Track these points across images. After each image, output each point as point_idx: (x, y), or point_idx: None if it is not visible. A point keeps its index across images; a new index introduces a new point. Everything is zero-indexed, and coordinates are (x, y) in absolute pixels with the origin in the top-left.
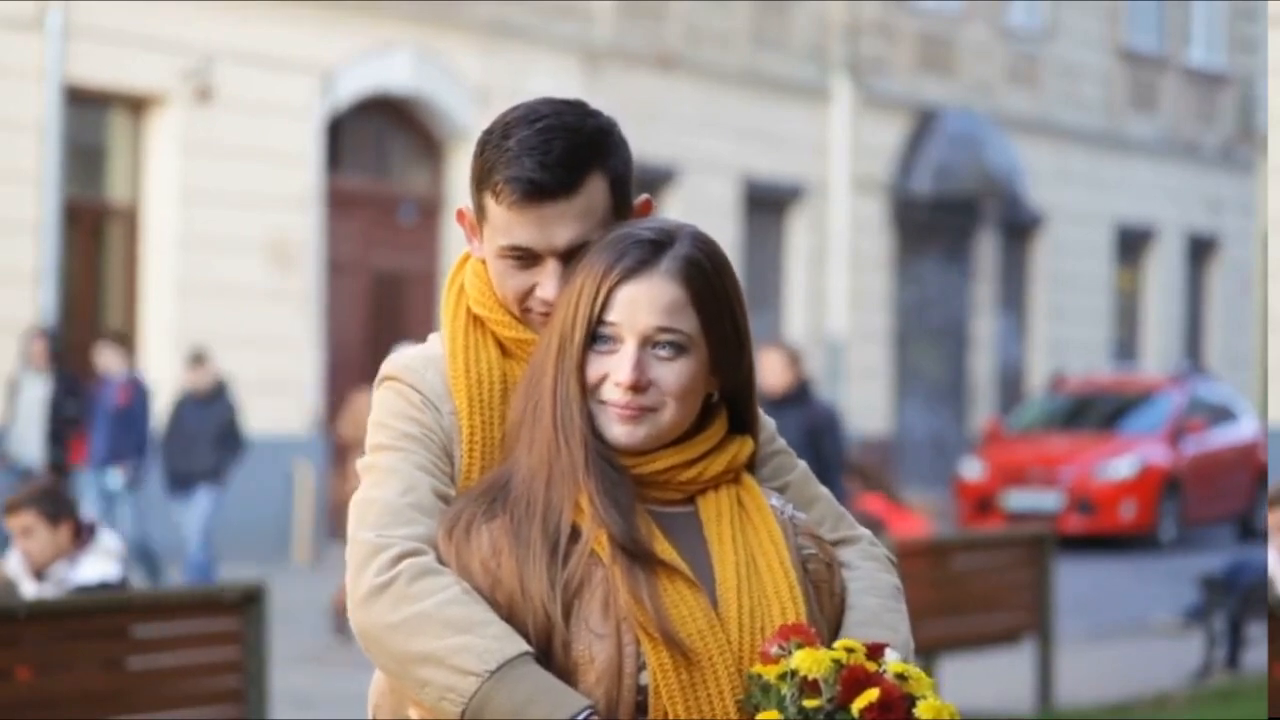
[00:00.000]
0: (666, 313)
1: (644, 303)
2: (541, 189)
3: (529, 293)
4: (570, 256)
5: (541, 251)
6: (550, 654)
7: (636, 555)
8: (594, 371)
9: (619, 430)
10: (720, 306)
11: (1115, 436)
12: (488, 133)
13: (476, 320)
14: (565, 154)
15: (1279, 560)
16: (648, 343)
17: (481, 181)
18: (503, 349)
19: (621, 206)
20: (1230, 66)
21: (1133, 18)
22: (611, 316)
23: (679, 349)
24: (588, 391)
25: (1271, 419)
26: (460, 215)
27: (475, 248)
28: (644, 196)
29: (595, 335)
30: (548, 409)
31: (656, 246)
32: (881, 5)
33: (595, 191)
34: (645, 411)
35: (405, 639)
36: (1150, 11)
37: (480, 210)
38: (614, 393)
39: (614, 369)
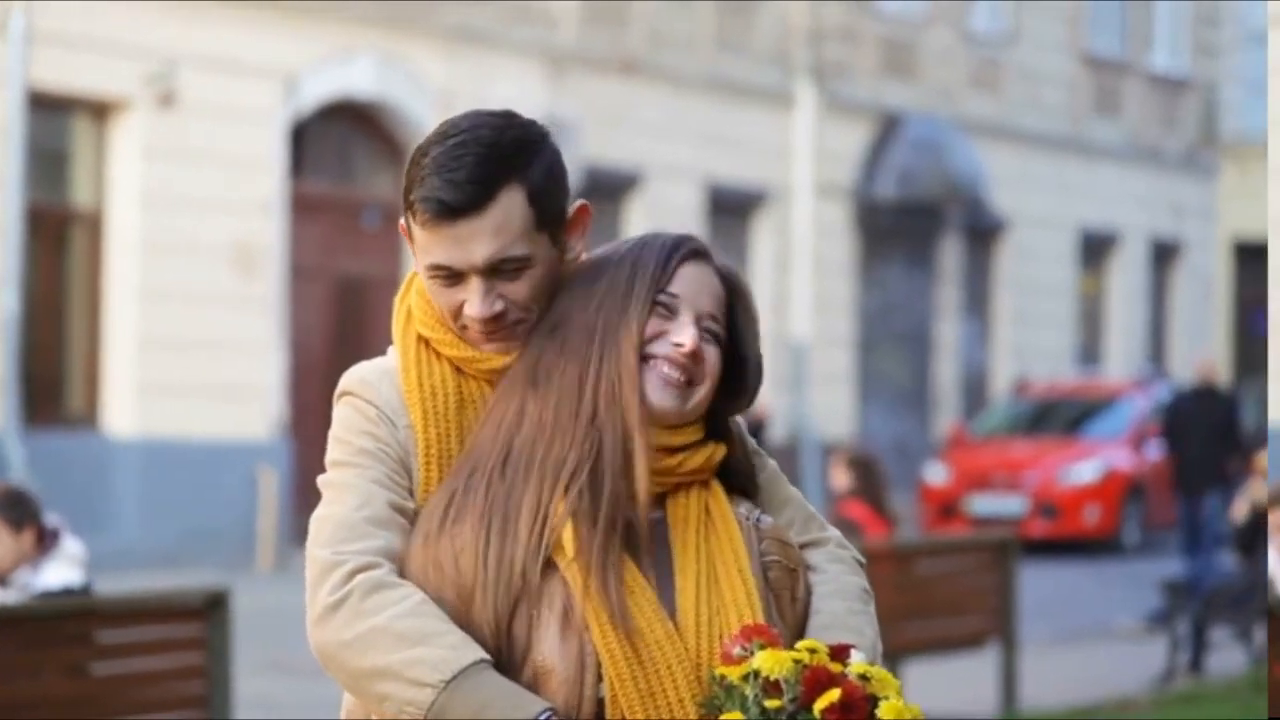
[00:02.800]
0: (717, 301)
1: (705, 286)
2: (451, 208)
3: (459, 309)
4: (494, 272)
5: (462, 269)
6: (511, 655)
7: (605, 558)
8: (650, 328)
9: (661, 392)
10: (743, 319)
11: (1079, 441)
12: (414, 150)
13: (425, 338)
14: (474, 170)
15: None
16: (700, 321)
17: (406, 200)
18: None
19: (546, 217)
20: (1193, 71)
21: (1095, 22)
22: (675, 288)
23: (716, 337)
24: (643, 348)
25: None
26: (402, 229)
27: (415, 262)
28: (580, 202)
29: (658, 299)
30: (587, 357)
31: (703, 248)
32: (845, 10)
33: (511, 205)
34: (687, 386)
35: (360, 655)
36: (1113, 16)
37: (408, 229)
38: (669, 350)
39: (674, 332)
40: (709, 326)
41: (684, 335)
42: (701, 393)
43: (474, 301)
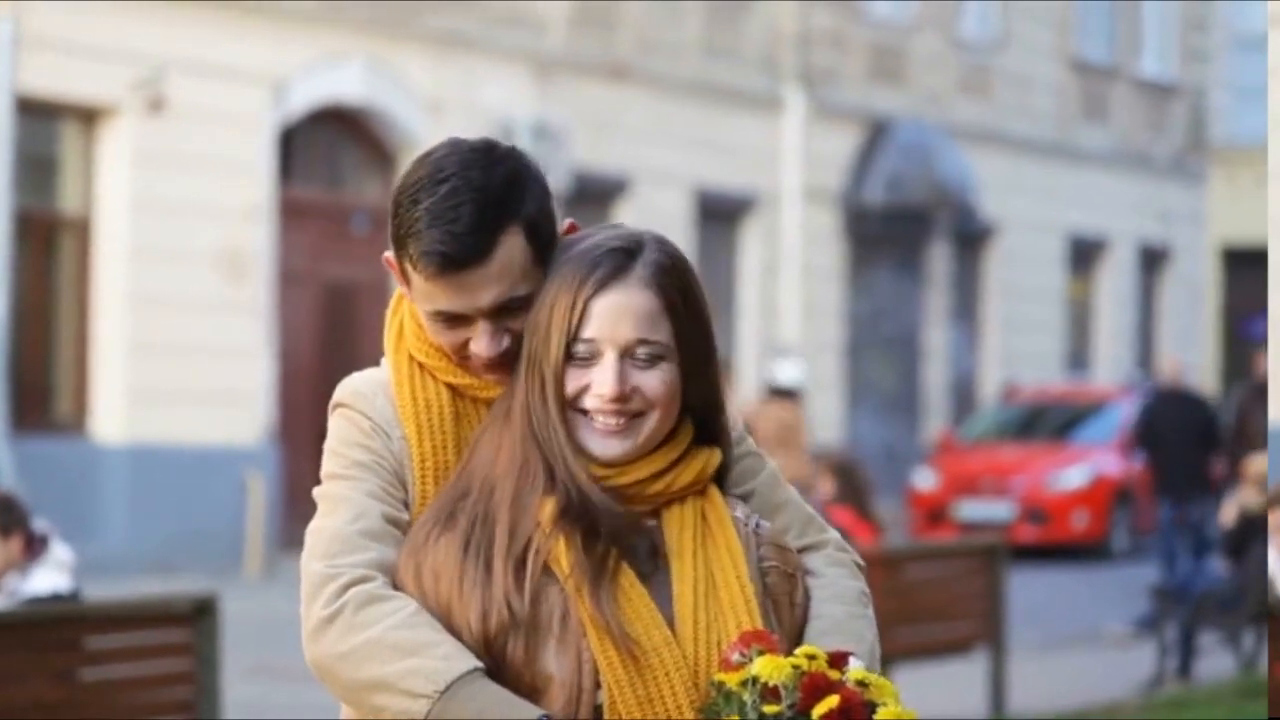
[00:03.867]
0: (644, 322)
1: (623, 314)
2: (455, 261)
3: (464, 346)
4: (500, 313)
5: (467, 314)
6: (505, 671)
7: (601, 567)
8: (572, 384)
9: (602, 443)
10: (691, 315)
11: (1067, 446)
12: (399, 192)
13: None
14: (475, 219)
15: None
16: (627, 354)
17: (399, 247)
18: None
19: (543, 248)
20: (1182, 77)
21: (1084, 28)
22: (589, 331)
23: (657, 357)
24: (566, 404)
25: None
26: (389, 263)
27: (407, 293)
28: (568, 221)
29: (572, 351)
30: (523, 416)
31: (627, 254)
32: (833, 16)
33: (512, 248)
34: (630, 422)
35: (355, 667)
36: (1102, 22)
37: (403, 273)
38: (596, 403)
39: (595, 381)
40: (640, 353)
41: (604, 384)
42: (652, 421)
43: (480, 341)
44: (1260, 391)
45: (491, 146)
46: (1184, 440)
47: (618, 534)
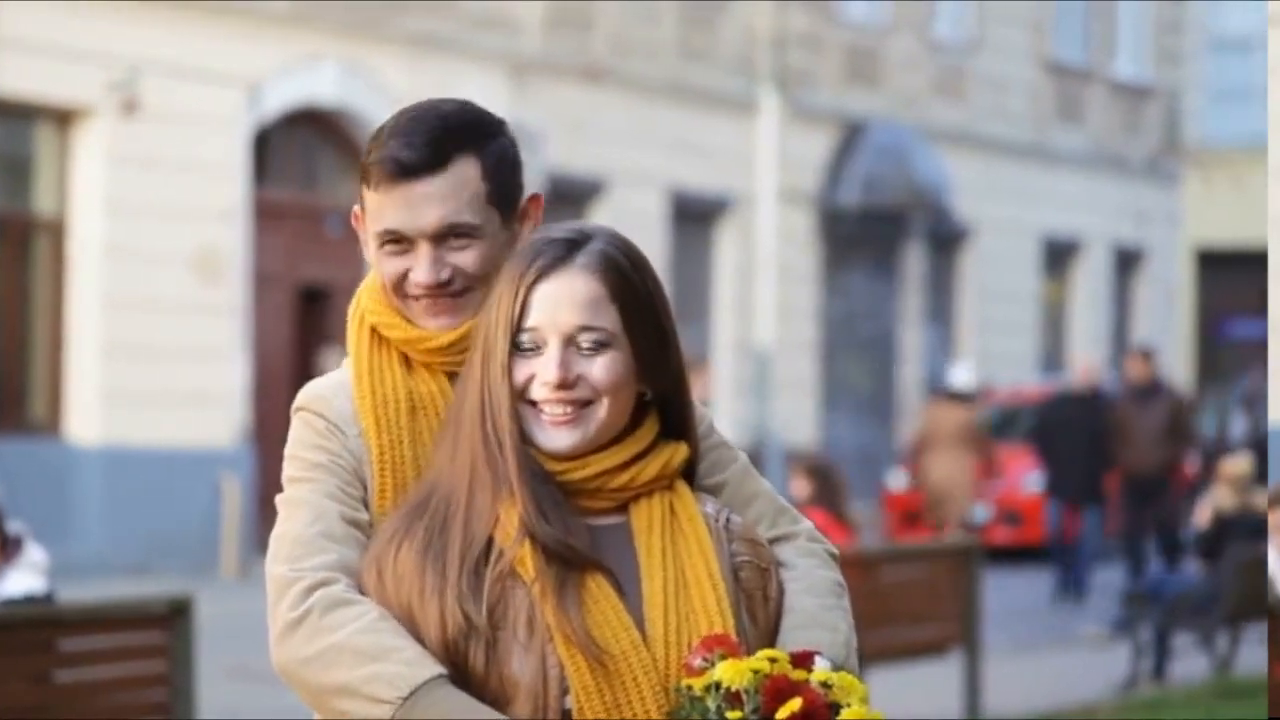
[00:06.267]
0: (586, 308)
1: (563, 300)
2: (405, 166)
3: (404, 277)
4: (442, 240)
5: (411, 234)
6: (469, 677)
7: (569, 565)
8: (520, 374)
9: (551, 434)
10: (640, 302)
11: None
12: (374, 132)
13: (377, 338)
14: (430, 134)
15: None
16: (570, 341)
17: (361, 174)
18: (407, 363)
19: (498, 194)
20: (1157, 79)
21: (1059, 30)
22: (531, 320)
23: (602, 344)
24: (515, 396)
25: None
26: (355, 217)
27: (369, 254)
28: (531, 194)
29: (518, 342)
30: (474, 417)
31: (571, 245)
32: (808, 18)
33: (465, 171)
34: (578, 411)
35: (320, 672)
36: (1077, 24)
37: (361, 203)
38: (542, 392)
39: (539, 370)
40: (585, 340)
41: (549, 370)
42: (601, 411)
43: (421, 267)
44: (1137, 394)
45: (474, 105)
46: (1076, 445)
47: (559, 545)
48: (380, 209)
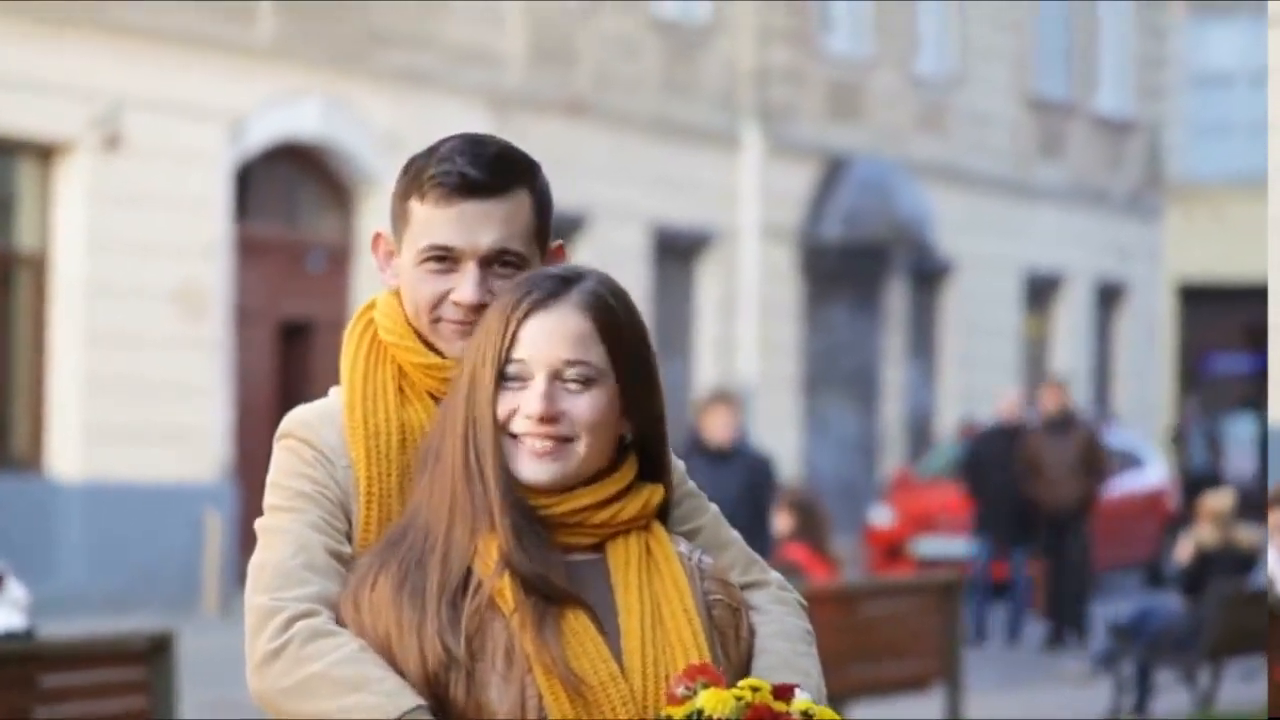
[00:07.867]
0: (574, 344)
1: (554, 334)
2: (472, 184)
3: (442, 298)
4: (489, 264)
5: (463, 251)
6: (448, 708)
7: (548, 599)
8: (504, 407)
9: (532, 466)
10: (628, 343)
11: None
12: (412, 158)
13: (375, 361)
14: (498, 157)
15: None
16: (557, 376)
17: (408, 190)
18: (401, 392)
19: (542, 232)
20: (1138, 114)
21: (1041, 65)
22: (519, 352)
23: (588, 381)
24: (498, 427)
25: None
26: (376, 240)
27: (388, 278)
28: (558, 242)
29: (505, 373)
30: (456, 448)
31: (564, 282)
32: (790, 53)
33: (522, 202)
34: (559, 446)
35: (300, 703)
36: (1059, 59)
37: (403, 220)
38: (524, 425)
39: (524, 402)
40: (571, 375)
41: (532, 404)
42: (581, 447)
43: (466, 287)
44: (1053, 426)
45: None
46: (1004, 480)
47: (546, 560)
48: (430, 223)
